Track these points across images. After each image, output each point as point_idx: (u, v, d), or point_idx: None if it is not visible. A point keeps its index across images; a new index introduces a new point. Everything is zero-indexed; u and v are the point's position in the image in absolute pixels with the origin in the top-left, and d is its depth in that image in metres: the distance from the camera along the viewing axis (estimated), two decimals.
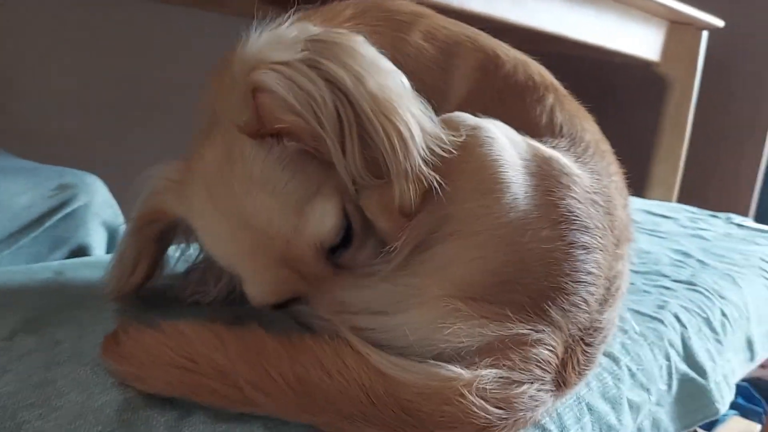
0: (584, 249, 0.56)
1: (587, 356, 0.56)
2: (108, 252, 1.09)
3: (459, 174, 0.54)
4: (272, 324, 0.51)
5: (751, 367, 1.03)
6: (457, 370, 0.46)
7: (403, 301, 0.50)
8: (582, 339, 0.55)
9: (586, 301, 0.55)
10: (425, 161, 0.51)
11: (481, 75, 0.71)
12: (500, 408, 0.46)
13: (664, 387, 0.76)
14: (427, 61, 0.70)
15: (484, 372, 0.46)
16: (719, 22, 1.82)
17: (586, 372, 0.57)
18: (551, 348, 0.51)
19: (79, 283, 0.71)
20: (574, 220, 0.56)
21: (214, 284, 0.64)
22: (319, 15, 0.69)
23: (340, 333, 0.49)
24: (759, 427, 1.79)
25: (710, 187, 2.31)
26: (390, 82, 0.52)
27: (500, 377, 0.47)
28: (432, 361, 0.47)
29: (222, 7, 1.60)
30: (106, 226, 1.08)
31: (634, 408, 0.69)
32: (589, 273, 0.55)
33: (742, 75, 2.23)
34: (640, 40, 1.74)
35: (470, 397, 0.45)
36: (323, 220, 0.51)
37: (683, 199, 1.97)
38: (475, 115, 0.60)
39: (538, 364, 0.50)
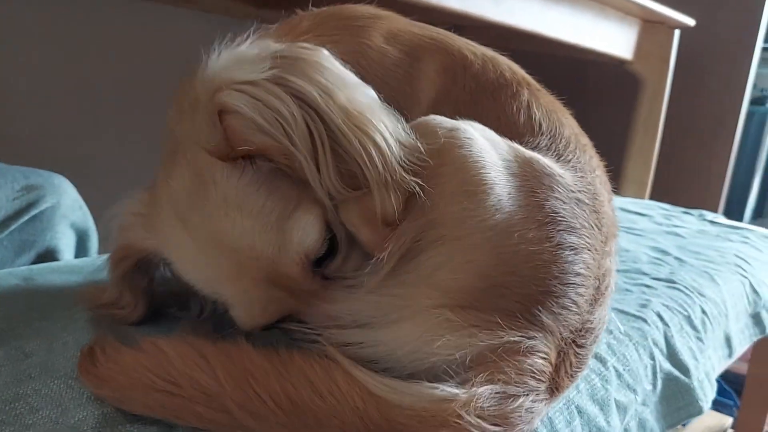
0: (572, 250, 0.55)
1: (579, 358, 0.55)
2: (77, 255, 1.05)
3: (439, 178, 0.52)
4: (257, 336, 0.50)
5: (728, 363, 1.04)
6: (452, 390, 0.45)
7: (391, 313, 0.49)
8: (574, 341, 0.54)
9: (576, 303, 0.54)
10: (404, 168, 0.50)
11: (449, 76, 0.69)
12: (497, 425, 0.45)
13: (649, 387, 0.76)
14: (391, 64, 0.67)
15: (480, 390, 0.45)
16: (690, 21, 1.83)
17: (578, 374, 0.56)
18: (545, 356, 0.50)
19: (48, 290, 0.68)
20: (560, 220, 0.55)
21: (196, 306, 0.62)
22: (275, 31, 0.67)
23: (327, 351, 0.47)
24: (730, 420, 1.82)
25: (680, 184, 2.34)
26: (358, 95, 0.52)
27: (496, 393, 0.46)
28: (425, 382, 0.45)
29: (193, 4, 1.56)
30: (75, 229, 1.04)
31: (621, 409, 0.69)
32: (578, 274, 0.54)
33: (710, 74, 2.26)
34: (615, 39, 1.75)
35: (468, 417, 0.43)
36: (306, 232, 0.49)
37: (654, 195, 2.00)
38: (453, 118, 0.58)
39: (533, 375, 0.48)
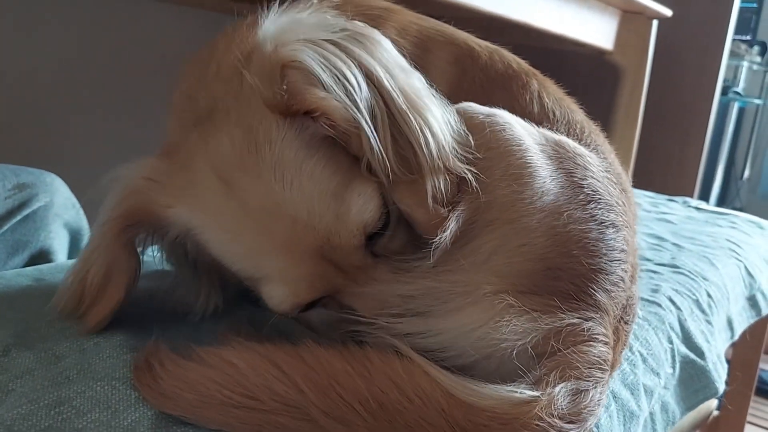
0: (614, 227, 0.55)
1: (626, 334, 0.56)
2: (71, 256, 1.01)
3: (486, 161, 0.52)
4: (304, 334, 0.48)
5: (727, 345, 1.06)
6: (532, 393, 0.44)
7: (451, 300, 0.48)
8: (622, 318, 0.55)
9: (623, 279, 0.54)
10: (455, 154, 0.50)
11: (459, 68, 0.69)
12: (572, 422, 0.45)
13: (670, 370, 0.76)
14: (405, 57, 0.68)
15: (556, 390, 0.45)
16: (668, 12, 1.86)
17: (624, 351, 0.56)
18: (605, 339, 0.50)
19: None
20: (599, 199, 0.56)
21: (197, 299, 0.58)
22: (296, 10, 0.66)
23: (401, 348, 0.45)
24: (716, 402, 1.86)
25: (657, 172, 2.38)
26: (415, 80, 0.51)
27: (570, 390, 0.46)
28: (503, 385, 0.45)
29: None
30: (68, 228, 1.00)
31: (648, 393, 0.69)
32: (622, 250, 0.55)
33: (683, 64, 2.30)
34: (596, 29, 1.76)
35: (548, 419, 0.43)
36: (366, 203, 0.47)
37: (632, 184, 2.02)
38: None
39: (599, 365, 0.49)
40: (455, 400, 0.43)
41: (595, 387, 0.48)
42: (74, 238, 1.02)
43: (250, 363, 0.43)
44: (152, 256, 0.61)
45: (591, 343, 0.48)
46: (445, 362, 0.47)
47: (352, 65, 0.46)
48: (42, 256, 0.96)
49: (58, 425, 0.41)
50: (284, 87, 0.45)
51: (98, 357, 0.49)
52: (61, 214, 0.99)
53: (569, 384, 0.46)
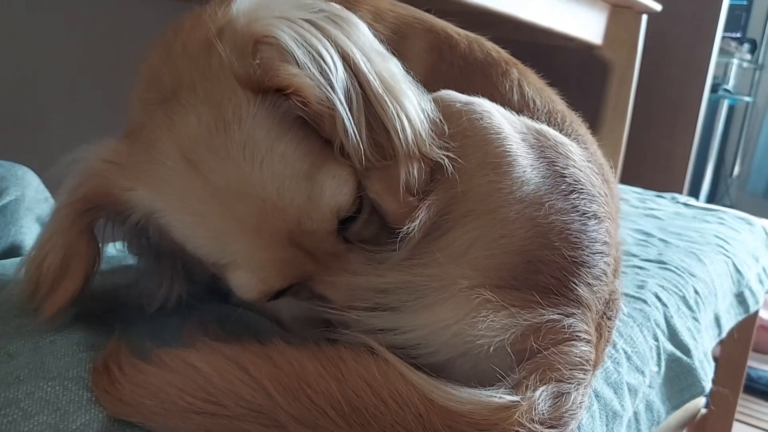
0: (596, 218, 0.53)
1: (609, 330, 0.54)
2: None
3: (462, 150, 0.50)
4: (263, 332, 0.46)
5: (715, 343, 1.04)
6: (512, 398, 0.42)
7: (426, 295, 0.46)
8: (605, 313, 0.53)
9: (605, 273, 0.53)
10: (430, 141, 0.48)
11: (437, 55, 0.68)
12: (553, 427, 0.43)
13: (655, 368, 0.74)
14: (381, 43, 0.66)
15: (536, 393, 0.43)
16: (657, 6, 1.85)
17: (607, 348, 0.54)
18: (587, 337, 0.48)
19: None
20: (582, 189, 0.54)
21: (160, 289, 0.54)
22: None
23: (376, 348, 0.43)
24: (704, 400, 1.85)
25: (645, 169, 2.37)
26: (391, 65, 0.49)
27: (551, 393, 0.44)
28: (482, 389, 0.43)
29: None
30: (40, 223, 0.97)
31: (632, 392, 0.67)
32: (605, 243, 0.53)
33: (674, 60, 2.29)
34: (586, 23, 1.74)
35: (528, 425, 0.42)
36: (341, 188, 0.45)
37: (621, 180, 2.01)
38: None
39: (581, 366, 0.47)
40: (433, 404, 0.41)
41: (577, 389, 0.46)
42: None
43: (214, 366, 0.41)
44: (120, 251, 0.58)
45: (572, 342, 0.47)
46: (420, 360, 0.45)
47: (329, 45, 0.44)
48: (12, 252, 0.93)
49: (3, 428, 0.39)
50: (257, 62, 0.43)
51: (53, 355, 0.47)
52: (33, 209, 0.96)
53: (550, 387, 0.44)
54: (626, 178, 2.12)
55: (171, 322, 0.55)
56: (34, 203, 0.96)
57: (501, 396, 0.42)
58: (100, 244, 0.50)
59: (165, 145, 0.46)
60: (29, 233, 0.96)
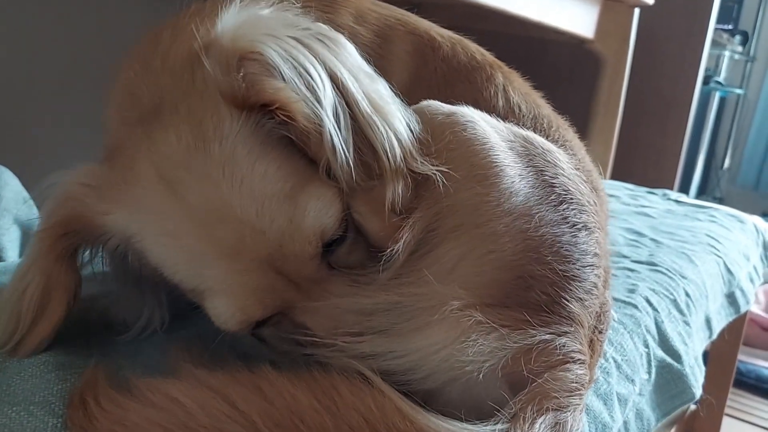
0: (586, 230, 0.52)
1: (600, 344, 0.53)
2: (23, 253, 0.96)
3: (447, 163, 0.48)
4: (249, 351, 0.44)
5: (705, 345, 1.03)
6: None
7: (416, 317, 0.44)
8: (596, 327, 0.52)
9: (596, 286, 0.51)
10: (419, 159, 0.47)
11: (420, 58, 0.66)
12: None
13: (645, 376, 0.73)
14: (363, 46, 0.63)
15: (535, 427, 0.42)
16: (649, 0, 1.83)
17: (598, 362, 0.53)
18: (581, 358, 0.46)
19: None
20: (571, 199, 0.52)
21: (140, 317, 0.53)
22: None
23: (371, 379, 0.41)
24: (693, 407, 1.84)
25: (637, 162, 2.36)
26: (379, 86, 0.48)
27: (549, 425, 0.43)
28: (480, 424, 0.41)
29: None
30: (19, 224, 0.95)
31: (622, 401, 0.66)
32: (595, 254, 0.52)
33: (666, 53, 2.27)
34: (578, 17, 1.72)
35: None
36: (326, 209, 0.43)
37: (612, 174, 2.00)
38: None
39: (577, 391, 0.45)
40: None
41: (573, 415, 0.44)
42: (26, 234, 0.96)
43: (199, 400, 0.38)
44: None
45: (567, 365, 0.45)
46: (411, 386, 0.43)
47: (316, 62, 0.43)
48: None
49: None
50: (241, 76, 0.41)
51: (19, 377, 0.45)
52: (11, 209, 0.93)
53: (547, 417, 0.43)
54: (618, 173, 2.11)
55: (153, 338, 0.53)
56: (12, 204, 0.93)
57: (499, 431, 0.41)
58: (80, 272, 0.49)
59: (142, 166, 0.44)
60: (7, 234, 0.93)
